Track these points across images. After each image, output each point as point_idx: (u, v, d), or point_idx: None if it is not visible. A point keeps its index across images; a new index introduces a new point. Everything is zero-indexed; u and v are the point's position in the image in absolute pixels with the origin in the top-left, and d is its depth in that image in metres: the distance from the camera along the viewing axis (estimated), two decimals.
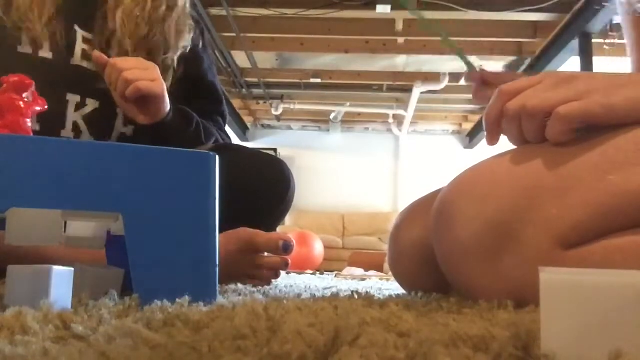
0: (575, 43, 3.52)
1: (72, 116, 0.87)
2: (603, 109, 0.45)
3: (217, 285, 0.47)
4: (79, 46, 0.88)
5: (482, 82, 0.65)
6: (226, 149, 0.93)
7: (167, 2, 0.93)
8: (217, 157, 0.49)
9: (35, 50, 0.85)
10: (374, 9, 3.47)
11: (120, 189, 0.44)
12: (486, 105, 0.62)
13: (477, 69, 0.63)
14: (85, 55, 0.89)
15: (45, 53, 0.86)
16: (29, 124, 0.51)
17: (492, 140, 0.53)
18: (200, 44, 1.04)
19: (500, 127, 0.52)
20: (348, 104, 5.71)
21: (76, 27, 0.89)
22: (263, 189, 0.92)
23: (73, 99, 0.87)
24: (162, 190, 0.46)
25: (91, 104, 0.89)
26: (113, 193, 0.44)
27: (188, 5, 0.98)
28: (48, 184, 0.43)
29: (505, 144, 0.53)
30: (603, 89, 0.46)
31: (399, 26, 3.90)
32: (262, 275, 0.80)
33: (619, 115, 0.45)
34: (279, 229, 1.05)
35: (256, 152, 1.01)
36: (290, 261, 0.83)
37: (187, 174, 0.47)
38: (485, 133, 0.53)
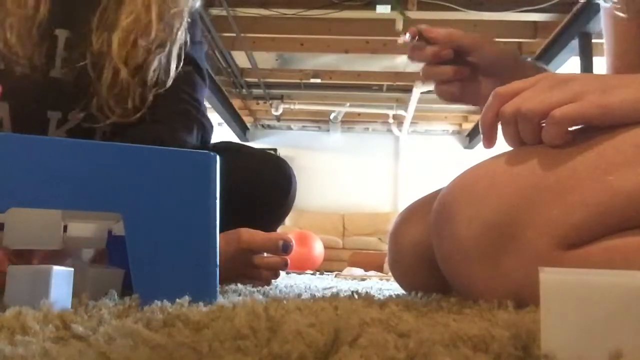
0: (575, 43, 3.52)
1: (55, 133, 0.81)
2: (599, 110, 0.45)
3: (217, 285, 0.47)
4: (60, 55, 0.79)
5: (419, 37, 0.65)
6: (226, 148, 0.93)
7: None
8: (218, 157, 0.49)
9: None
10: (374, 9, 3.47)
11: (120, 189, 0.44)
12: (419, 61, 0.65)
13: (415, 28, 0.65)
14: (66, 63, 0.80)
15: (24, 68, 0.77)
16: None
17: (489, 143, 0.53)
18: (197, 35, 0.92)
19: (496, 130, 0.51)
20: (348, 104, 5.70)
21: (57, 32, 0.79)
22: (264, 189, 0.91)
23: (54, 116, 0.80)
24: (162, 191, 0.46)
25: (73, 119, 0.81)
26: (113, 193, 0.44)
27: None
28: (48, 184, 0.43)
29: (504, 144, 0.53)
30: (599, 90, 0.45)
31: (399, 26, 3.89)
32: (262, 275, 0.80)
33: (615, 116, 0.45)
34: (279, 229, 1.05)
35: (257, 151, 1.00)
36: (289, 261, 0.83)
37: (187, 174, 0.47)
38: (482, 136, 0.53)
